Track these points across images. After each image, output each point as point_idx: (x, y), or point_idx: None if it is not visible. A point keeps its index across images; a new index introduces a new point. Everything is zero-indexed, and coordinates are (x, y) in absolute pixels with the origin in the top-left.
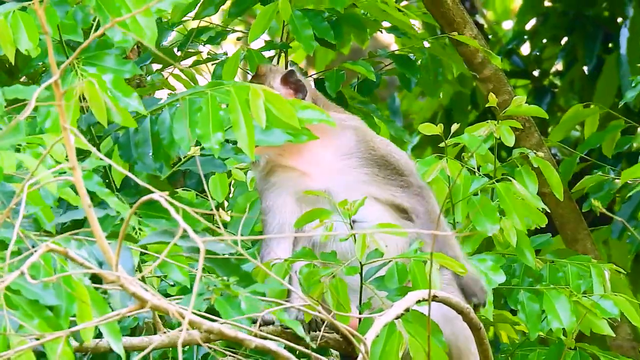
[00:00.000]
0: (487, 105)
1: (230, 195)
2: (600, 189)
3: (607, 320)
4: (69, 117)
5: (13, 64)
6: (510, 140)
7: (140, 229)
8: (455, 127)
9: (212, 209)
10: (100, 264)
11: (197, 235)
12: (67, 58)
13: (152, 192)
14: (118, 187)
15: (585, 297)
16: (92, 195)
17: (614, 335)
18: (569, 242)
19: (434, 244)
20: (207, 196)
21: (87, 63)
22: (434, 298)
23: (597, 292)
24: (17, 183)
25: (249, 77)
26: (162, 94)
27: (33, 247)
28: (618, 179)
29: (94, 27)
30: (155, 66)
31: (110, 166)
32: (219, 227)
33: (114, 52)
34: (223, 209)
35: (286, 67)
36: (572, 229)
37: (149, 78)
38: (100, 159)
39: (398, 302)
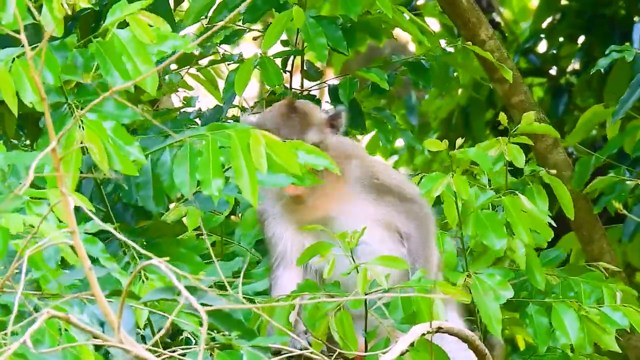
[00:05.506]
0: (499, 119)
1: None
2: (613, 190)
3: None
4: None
5: (16, 116)
6: (520, 161)
7: (146, 276)
8: (459, 141)
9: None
10: (102, 323)
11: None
12: (67, 101)
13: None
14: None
15: (595, 308)
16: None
17: (620, 352)
18: (585, 243)
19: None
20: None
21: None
22: (439, 329)
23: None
24: (21, 239)
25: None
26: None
27: (35, 309)
28: (631, 180)
29: (93, 70)
30: (172, 66)
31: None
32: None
33: (113, 96)
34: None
35: (302, 67)
36: (588, 230)
37: (166, 78)
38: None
39: (403, 337)
